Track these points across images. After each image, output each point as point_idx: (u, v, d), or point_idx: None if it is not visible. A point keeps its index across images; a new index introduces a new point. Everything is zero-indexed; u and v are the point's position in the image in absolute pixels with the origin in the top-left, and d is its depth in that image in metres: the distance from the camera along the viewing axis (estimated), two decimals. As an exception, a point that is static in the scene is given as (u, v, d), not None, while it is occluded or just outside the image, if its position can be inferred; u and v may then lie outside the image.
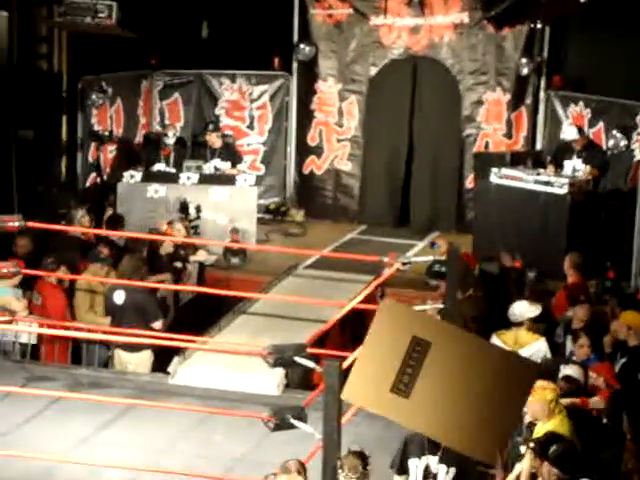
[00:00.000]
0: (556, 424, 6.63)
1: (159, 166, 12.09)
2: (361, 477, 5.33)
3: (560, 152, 11.70)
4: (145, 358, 8.56)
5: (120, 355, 8.62)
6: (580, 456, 5.90)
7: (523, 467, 6.33)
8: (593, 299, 9.04)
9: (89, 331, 8.43)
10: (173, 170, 12.04)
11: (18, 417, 7.10)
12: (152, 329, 8.40)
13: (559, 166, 11.36)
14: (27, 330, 8.52)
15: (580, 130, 11.60)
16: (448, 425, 4.68)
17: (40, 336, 8.61)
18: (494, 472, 6.20)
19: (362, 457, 5.38)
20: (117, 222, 10.67)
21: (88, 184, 12.58)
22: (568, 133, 11.65)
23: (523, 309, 8.38)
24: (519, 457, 6.53)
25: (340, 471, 5.34)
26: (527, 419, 6.75)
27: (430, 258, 8.36)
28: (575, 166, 11.26)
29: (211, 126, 12.56)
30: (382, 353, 4.72)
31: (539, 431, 6.63)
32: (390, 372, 4.66)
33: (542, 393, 6.56)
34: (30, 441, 6.78)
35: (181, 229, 10.53)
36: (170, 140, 12.26)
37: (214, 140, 12.32)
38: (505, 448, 5.68)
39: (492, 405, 4.65)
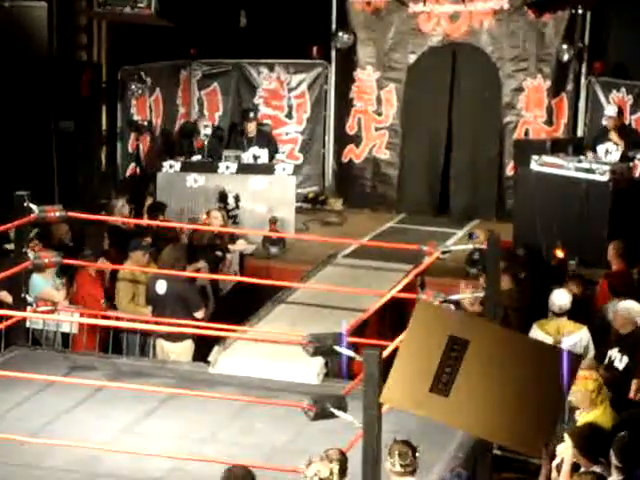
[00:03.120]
0: (598, 414, 6.58)
1: (196, 157, 12.10)
2: (410, 465, 5.30)
3: (596, 137, 11.61)
4: (187, 348, 8.59)
5: (162, 345, 8.65)
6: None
7: (565, 456, 6.30)
8: (637, 286, 8.96)
9: (130, 321, 8.47)
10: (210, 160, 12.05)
11: (61, 406, 7.14)
12: (194, 319, 8.43)
13: (594, 151, 11.28)
14: (70, 320, 8.59)
15: (620, 112, 11.45)
16: (490, 421, 4.66)
17: (80, 326, 8.66)
18: (537, 461, 6.19)
19: (411, 446, 5.35)
20: (158, 209, 10.71)
21: (128, 174, 12.64)
22: (608, 109, 11.56)
23: (565, 298, 8.31)
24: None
25: (388, 457, 5.30)
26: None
27: (470, 247, 8.32)
28: (608, 149, 11.15)
29: (252, 114, 12.57)
30: (419, 354, 4.72)
31: (581, 420, 6.60)
32: (429, 372, 4.65)
33: (584, 383, 6.51)
34: (73, 430, 6.82)
35: (218, 217, 10.54)
36: (203, 132, 12.24)
37: (252, 128, 12.33)
38: (550, 440, 5.65)
39: (534, 399, 4.62)
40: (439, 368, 4.67)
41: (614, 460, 5.71)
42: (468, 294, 8.15)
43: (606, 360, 7.72)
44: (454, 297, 7.68)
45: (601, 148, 11.25)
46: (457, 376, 4.65)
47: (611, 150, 11.12)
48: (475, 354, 4.65)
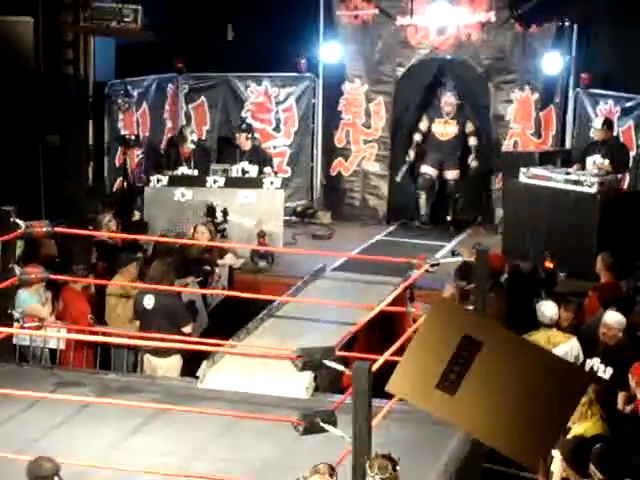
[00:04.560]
0: (588, 427, 6.55)
1: (182, 169, 12.07)
2: (389, 479, 5.27)
3: (585, 150, 11.61)
4: (175, 363, 8.54)
5: (150, 360, 8.60)
6: (623, 457, 5.82)
7: (554, 470, 6.27)
8: (626, 299, 8.94)
9: (118, 336, 8.42)
10: (195, 172, 12.02)
11: (49, 423, 7.08)
12: (182, 333, 8.38)
13: (583, 163, 11.27)
14: (56, 336, 8.52)
15: (605, 123, 11.42)
16: (491, 425, 4.60)
17: (67, 341, 8.60)
18: (528, 475, 6.14)
19: (391, 459, 5.33)
20: (141, 229, 10.69)
21: (115, 188, 12.59)
22: (595, 122, 11.56)
23: (553, 309, 8.31)
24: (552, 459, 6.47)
25: (369, 471, 5.28)
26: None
27: (459, 259, 8.30)
28: (595, 161, 11.16)
29: (244, 125, 12.58)
30: (431, 349, 4.66)
31: (571, 433, 6.57)
32: (437, 368, 4.60)
33: (574, 395, 6.46)
34: (61, 446, 6.75)
35: (205, 232, 10.49)
36: (190, 142, 12.21)
37: (244, 141, 12.31)
38: (549, 455, 5.60)
39: (539, 410, 4.57)
40: (448, 366, 4.61)
41: (597, 473, 5.67)
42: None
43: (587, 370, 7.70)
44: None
45: (589, 160, 11.25)
46: (465, 376, 4.60)
47: (599, 162, 11.12)
48: (487, 357, 4.60)
